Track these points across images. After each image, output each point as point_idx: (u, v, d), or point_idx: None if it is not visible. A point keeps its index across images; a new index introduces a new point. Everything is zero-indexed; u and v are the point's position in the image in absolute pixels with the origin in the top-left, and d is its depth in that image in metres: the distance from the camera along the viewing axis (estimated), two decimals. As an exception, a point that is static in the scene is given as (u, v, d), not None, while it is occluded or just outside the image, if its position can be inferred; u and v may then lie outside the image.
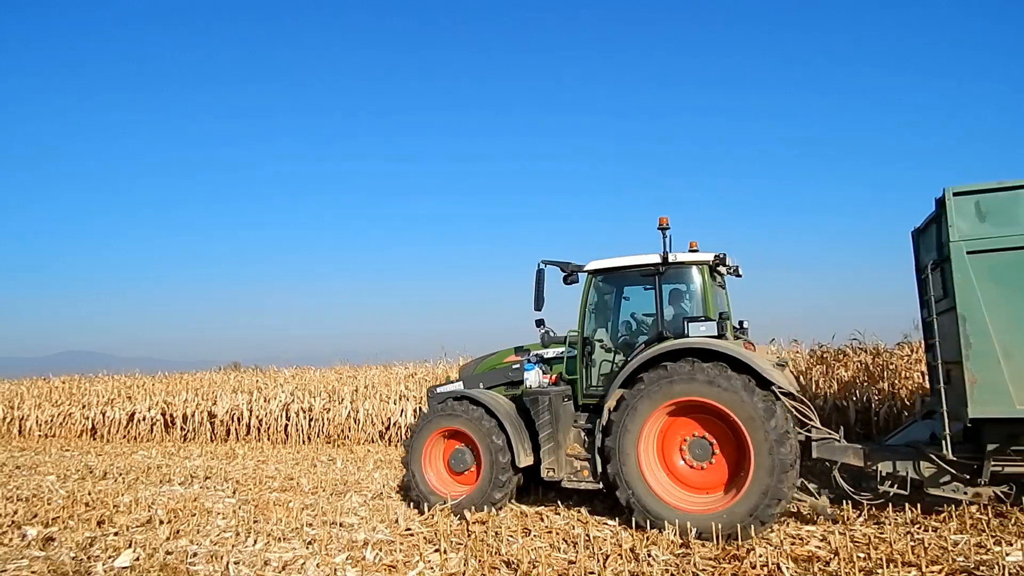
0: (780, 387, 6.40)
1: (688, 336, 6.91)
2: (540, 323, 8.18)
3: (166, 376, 20.22)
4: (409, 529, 6.72)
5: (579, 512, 7.28)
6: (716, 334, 6.87)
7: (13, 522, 7.65)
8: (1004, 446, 6.02)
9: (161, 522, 7.38)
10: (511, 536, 6.33)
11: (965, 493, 6.37)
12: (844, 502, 6.76)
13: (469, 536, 6.36)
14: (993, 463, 6.15)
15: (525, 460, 7.43)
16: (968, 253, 5.90)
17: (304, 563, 5.86)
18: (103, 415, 17.78)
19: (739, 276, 8.09)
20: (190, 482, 10.18)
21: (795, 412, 6.54)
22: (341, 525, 7.05)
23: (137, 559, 6.07)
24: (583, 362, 7.64)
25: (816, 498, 6.78)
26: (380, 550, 6.10)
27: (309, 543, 6.39)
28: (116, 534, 7.01)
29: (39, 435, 18.55)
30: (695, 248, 7.67)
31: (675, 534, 6.22)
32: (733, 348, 6.61)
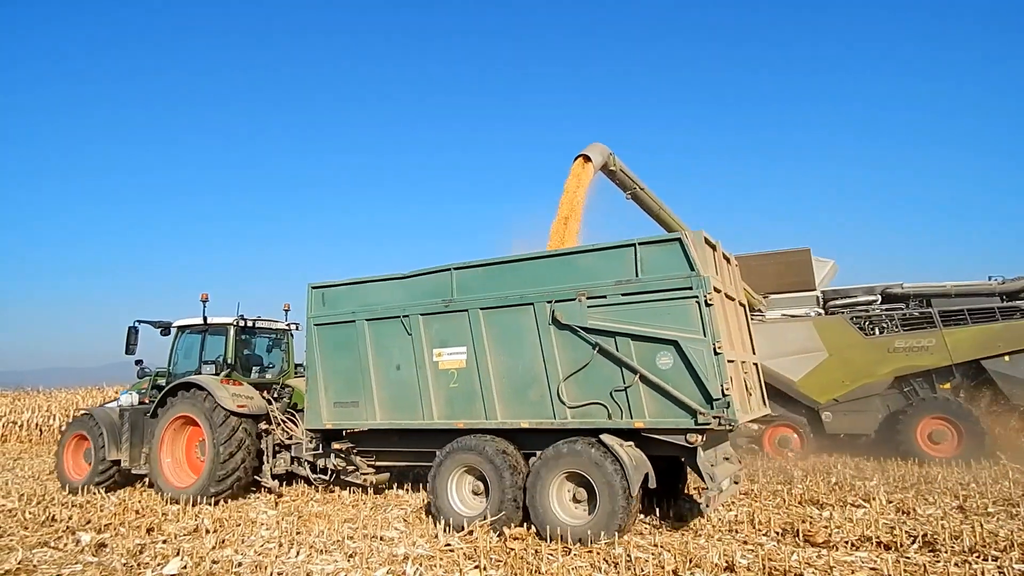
0: (241, 409, 9.61)
1: (200, 374, 10.33)
2: (139, 362, 11.57)
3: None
4: (449, 545, 6.72)
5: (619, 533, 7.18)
6: (214, 372, 10.38)
7: (68, 527, 7.92)
8: (352, 446, 8.96)
9: (207, 531, 7.54)
10: (551, 555, 6.27)
11: (364, 480, 9.22)
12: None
13: (509, 554, 6.33)
14: (363, 458, 9.00)
15: (115, 455, 10.41)
16: (315, 325, 8.95)
17: (345, 576, 5.92)
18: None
19: (297, 330, 11.96)
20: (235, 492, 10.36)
21: (281, 422, 10.09)
22: (381, 539, 7.09)
23: (185, 567, 6.21)
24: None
25: (268, 479, 9.87)
26: (420, 565, 6.11)
27: (350, 556, 6.45)
28: (164, 542, 7.19)
29: (92, 443, 19.14)
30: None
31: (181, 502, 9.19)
32: (207, 382, 9.80)
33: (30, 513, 8.71)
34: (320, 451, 9.46)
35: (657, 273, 6.82)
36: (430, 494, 7.77)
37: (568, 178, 9.78)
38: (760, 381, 8.43)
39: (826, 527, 6.99)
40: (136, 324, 11.07)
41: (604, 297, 7.02)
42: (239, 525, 7.87)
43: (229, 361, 10.57)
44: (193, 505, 9.07)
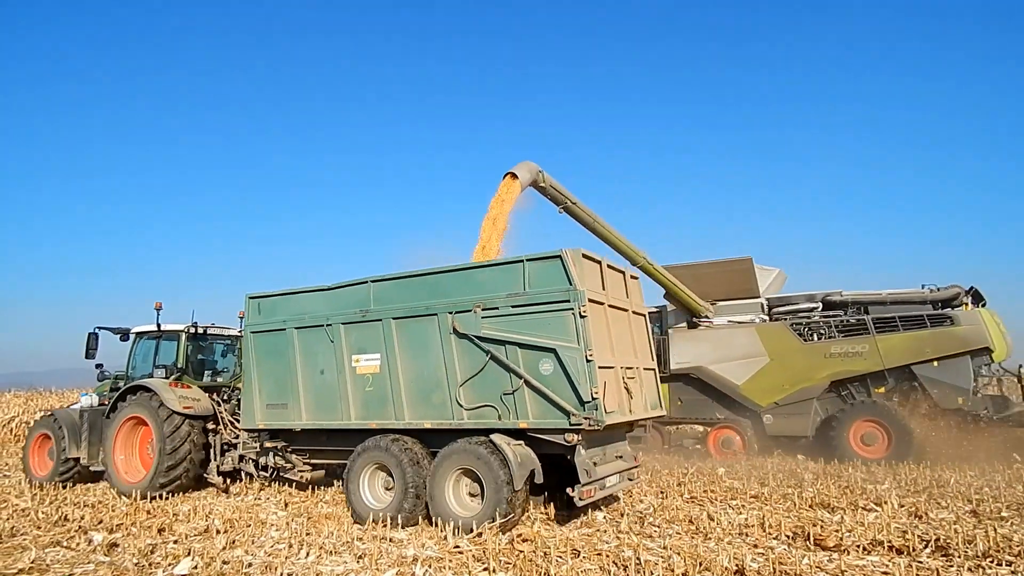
0: (188, 410, 10.30)
1: (152, 377, 10.93)
2: (99, 366, 12.16)
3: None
4: (458, 547, 6.72)
5: (629, 536, 7.16)
6: (164, 376, 10.95)
7: (80, 527, 7.98)
8: (286, 445, 9.73)
9: (218, 532, 7.58)
10: (560, 557, 6.27)
11: (300, 476, 9.81)
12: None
13: (518, 556, 6.32)
14: (298, 456, 9.72)
15: (75, 453, 11.15)
16: (252, 332, 9.64)
17: (355, 577, 5.92)
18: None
19: (241, 335, 11.74)
20: (245, 493, 10.43)
21: (228, 423, 10.63)
22: (391, 540, 7.09)
23: (196, 567, 6.23)
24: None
25: (214, 476, 10.50)
26: (430, 567, 6.11)
27: (360, 557, 6.46)
28: (176, 542, 7.23)
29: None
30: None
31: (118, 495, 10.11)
32: (156, 384, 10.48)
33: (43, 513, 8.78)
34: (261, 449, 10.06)
35: (541, 287, 7.44)
36: (344, 490, 8.46)
37: (495, 194, 10.40)
38: (655, 385, 9.03)
39: (837, 531, 6.95)
40: (96, 330, 11.77)
41: (496, 309, 7.64)
42: (249, 526, 7.90)
43: (179, 365, 11.27)
44: (142, 499, 9.66)
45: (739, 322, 14.30)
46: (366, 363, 8.53)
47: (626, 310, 8.61)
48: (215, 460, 10.59)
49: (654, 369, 9.08)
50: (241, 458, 10.41)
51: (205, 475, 10.55)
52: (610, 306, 8.04)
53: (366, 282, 8.70)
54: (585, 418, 7.03)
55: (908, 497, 8.81)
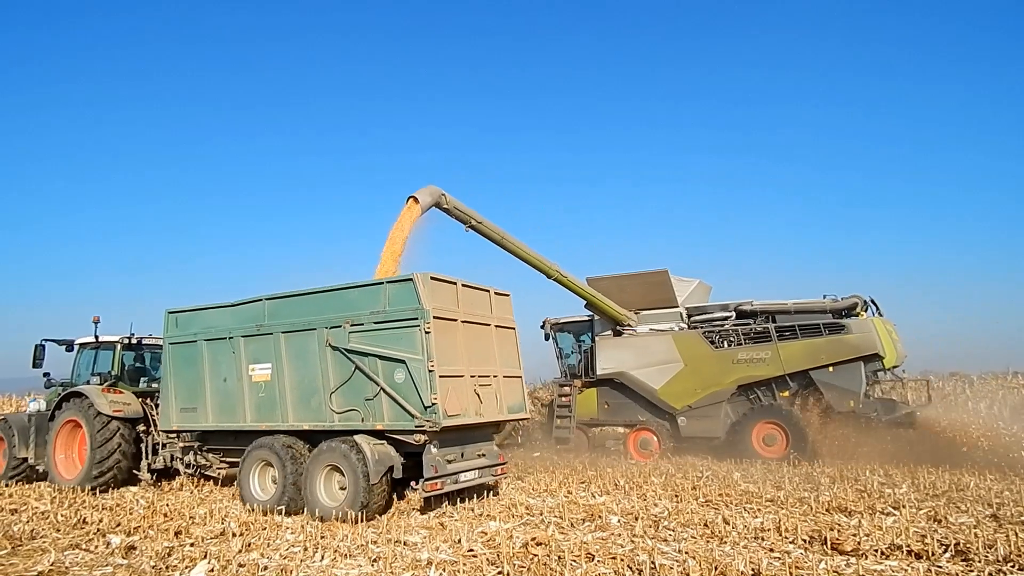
0: (116, 413, 11.31)
1: (88, 384, 12.04)
2: (47, 375, 12.99)
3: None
4: (472, 550, 6.72)
5: (643, 539, 7.13)
6: (99, 383, 11.95)
7: (99, 530, 8.07)
8: (201, 445, 10.79)
9: (234, 535, 7.63)
10: (575, 561, 6.24)
11: (218, 473, 10.76)
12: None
13: (532, 559, 6.31)
14: (214, 455, 10.72)
15: (24, 453, 12.16)
16: (169, 344, 10.64)
17: (369, 580, 5.93)
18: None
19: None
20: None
21: (153, 421, 11.45)
22: (405, 544, 7.11)
23: (212, 570, 6.28)
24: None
25: (144, 473, 11.39)
26: (443, 570, 6.12)
27: (374, 560, 6.47)
28: (192, 545, 7.28)
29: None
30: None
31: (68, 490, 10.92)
32: (90, 390, 11.49)
33: (62, 515, 8.89)
34: (180, 449, 11.04)
35: (398, 306, 8.45)
36: (237, 484, 9.62)
37: (398, 216, 11.05)
38: (520, 390, 10.06)
39: (855, 535, 6.88)
40: (43, 342, 12.79)
41: (362, 325, 8.65)
42: (265, 529, 7.96)
43: (114, 373, 12.33)
44: (73, 491, 10.75)
45: (658, 330, 15.03)
46: (260, 372, 9.57)
47: (488, 324, 9.59)
48: (146, 459, 11.48)
49: (520, 377, 10.08)
50: (172, 457, 11.19)
51: (136, 472, 11.48)
52: (464, 321, 8.98)
53: (261, 299, 9.69)
54: (426, 420, 8.07)
55: (927, 501, 8.70)
